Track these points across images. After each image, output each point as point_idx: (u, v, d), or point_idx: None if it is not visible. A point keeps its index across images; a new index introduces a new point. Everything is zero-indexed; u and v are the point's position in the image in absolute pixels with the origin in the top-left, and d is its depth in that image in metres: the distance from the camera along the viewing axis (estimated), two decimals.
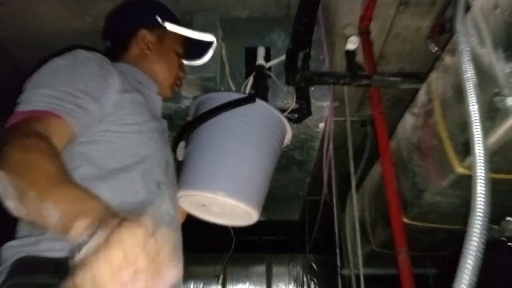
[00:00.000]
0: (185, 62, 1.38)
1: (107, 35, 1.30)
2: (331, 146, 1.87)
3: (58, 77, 0.91)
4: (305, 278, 3.49)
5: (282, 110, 1.53)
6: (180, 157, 1.27)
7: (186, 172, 1.22)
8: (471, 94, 0.94)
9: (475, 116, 0.91)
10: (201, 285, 3.44)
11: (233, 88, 1.65)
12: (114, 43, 1.23)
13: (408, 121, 1.56)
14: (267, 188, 1.31)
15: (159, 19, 1.23)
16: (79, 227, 0.55)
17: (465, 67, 0.98)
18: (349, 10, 1.80)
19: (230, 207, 1.19)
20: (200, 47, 1.39)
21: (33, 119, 0.80)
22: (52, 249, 0.80)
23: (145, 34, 1.19)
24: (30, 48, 1.97)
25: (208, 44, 1.40)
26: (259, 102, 1.27)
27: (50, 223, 0.59)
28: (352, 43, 1.72)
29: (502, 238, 1.83)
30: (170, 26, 1.24)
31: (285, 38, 1.73)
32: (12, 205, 0.61)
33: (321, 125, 1.78)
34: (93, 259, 0.51)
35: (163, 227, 0.86)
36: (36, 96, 0.87)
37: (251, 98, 1.26)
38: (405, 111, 1.62)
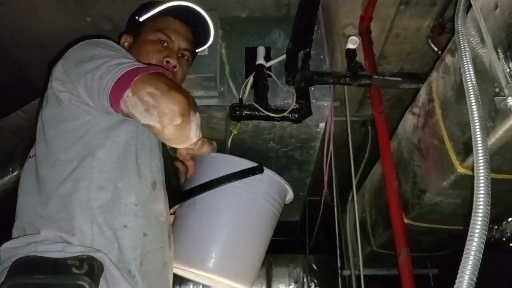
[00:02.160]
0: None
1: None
2: (331, 146, 1.87)
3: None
4: (305, 279, 3.48)
5: (282, 110, 1.53)
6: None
7: (179, 242, 1.16)
8: (472, 94, 0.94)
9: (475, 116, 0.91)
10: (201, 285, 3.44)
11: (232, 88, 1.65)
12: None
13: (409, 121, 1.56)
14: (264, 256, 1.29)
15: (137, 18, 1.26)
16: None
17: (465, 67, 0.98)
18: (349, 10, 1.80)
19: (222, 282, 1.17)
20: (201, 33, 1.37)
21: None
22: (51, 250, 0.80)
23: (125, 38, 1.24)
24: (30, 48, 1.97)
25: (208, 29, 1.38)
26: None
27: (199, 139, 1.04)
28: (352, 43, 1.72)
29: (502, 238, 1.83)
30: (145, 16, 1.24)
31: (285, 38, 1.73)
32: (199, 134, 1.00)
33: (321, 125, 1.77)
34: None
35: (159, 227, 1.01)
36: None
37: (259, 168, 1.23)
38: (405, 111, 1.62)
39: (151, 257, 0.95)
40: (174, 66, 1.18)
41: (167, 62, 1.16)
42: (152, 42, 1.18)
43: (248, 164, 1.24)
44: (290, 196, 1.37)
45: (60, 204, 0.87)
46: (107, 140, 0.94)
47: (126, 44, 1.23)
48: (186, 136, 0.95)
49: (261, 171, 1.23)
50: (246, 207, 1.23)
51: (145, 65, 0.93)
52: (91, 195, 0.88)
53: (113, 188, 0.91)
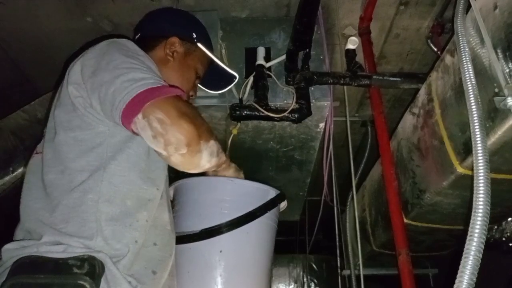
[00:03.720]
0: (200, 86, 1.39)
1: (140, 28, 1.29)
2: (331, 146, 1.87)
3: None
4: (305, 279, 3.48)
5: (282, 110, 1.54)
6: None
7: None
8: (471, 94, 0.94)
9: (475, 116, 0.91)
10: None
11: (232, 88, 1.65)
12: (144, 38, 1.22)
13: (408, 121, 1.56)
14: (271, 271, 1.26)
15: (194, 35, 1.25)
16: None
17: (465, 67, 0.99)
18: (349, 10, 1.80)
19: None
20: (221, 79, 1.42)
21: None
22: (52, 251, 0.80)
23: (176, 42, 1.19)
24: (30, 48, 1.97)
25: (229, 79, 1.44)
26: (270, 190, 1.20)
27: (221, 159, 1.02)
28: (352, 43, 1.72)
29: (502, 238, 1.83)
30: (201, 46, 1.26)
31: (285, 38, 1.73)
32: (215, 159, 0.96)
33: (321, 125, 1.78)
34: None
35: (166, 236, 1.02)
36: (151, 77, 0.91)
37: (282, 196, 1.20)
38: (405, 111, 1.62)
39: (162, 266, 0.96)
40: (192, 95, 1.28)
41: (191, 95, 1.27)
42: (195, 71, 1.24)
43: (269, 189, 1.20)
44: (283, 204, 1.34)
45: (65, 214, 0.86)
46: (119, 152, 0.92)
47: (173, 49, 1.19)
48: (196, 165, 0.91)
49: (284, 199, 1.21)
50: (269, 234, 1.21)
51: (160, 85, 0.89)
52: (99, 208, 0.87)
53: (121, 202, 0.90)
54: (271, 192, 1.21)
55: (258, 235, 1.17)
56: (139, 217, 0.92)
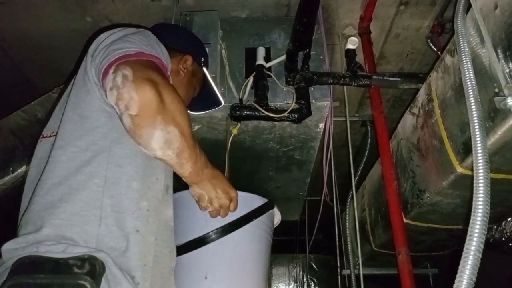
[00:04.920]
0: None
1: (156, 34, 1.31)
2: (330, 146, 1.87)
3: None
4: (305, 278, 3.48)
5: (282, 110, 1.54)
6: None
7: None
8: (471, 94, 0.94)
9: (475, 116, 0.91)
10: None
11: (232, 88, 1.65)
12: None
13: (408, 121, 1.57)
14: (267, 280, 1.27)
15: (202, 60, 1.35)
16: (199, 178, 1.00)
17: (465, 67, 0.99)
18: (349, 10, 1.80)
19: None
20: (204, 101, 1.48)
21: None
22: (53, 250, 0.80)
23: (190, 61, 1.26)
24: (30, 48, 1.97)
25: (212, 103, 1.51)
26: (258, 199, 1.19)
27: (184, 172, 0.95)
28: (352, 43, 1.72)
29: (502, 238, 1.83)
30: (205, 71, 1.38)
31: (285, 38, 1.74)
32: (170, 153, 0.88)
33: (321, 125, 1.78)
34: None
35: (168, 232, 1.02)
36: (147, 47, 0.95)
37: (270, 205, 1.21)
38: (405, 111, 1.62)
39: (159, 262, 0.95)
40: None
41: None
42: (194, 91, 1.33)
43: (257, 198, 1.20)
44: (278, 218, 1.33)
45: (66, 194, 0.84)
46: (125, 136, 0.91)
47: (185, 66, 1.24)
48: (144, 140, 0.86)
49: (272, 207, 1.23)
50: (260, 243, 1.20)
51: (143, 53, 0.91)
52: (105, 193, 0.86)
53: (127, 187, 0.89)
54: (257, 201, 1.20)
55: (247, 247, 1.16)
56: (141, 206, 0.90)
